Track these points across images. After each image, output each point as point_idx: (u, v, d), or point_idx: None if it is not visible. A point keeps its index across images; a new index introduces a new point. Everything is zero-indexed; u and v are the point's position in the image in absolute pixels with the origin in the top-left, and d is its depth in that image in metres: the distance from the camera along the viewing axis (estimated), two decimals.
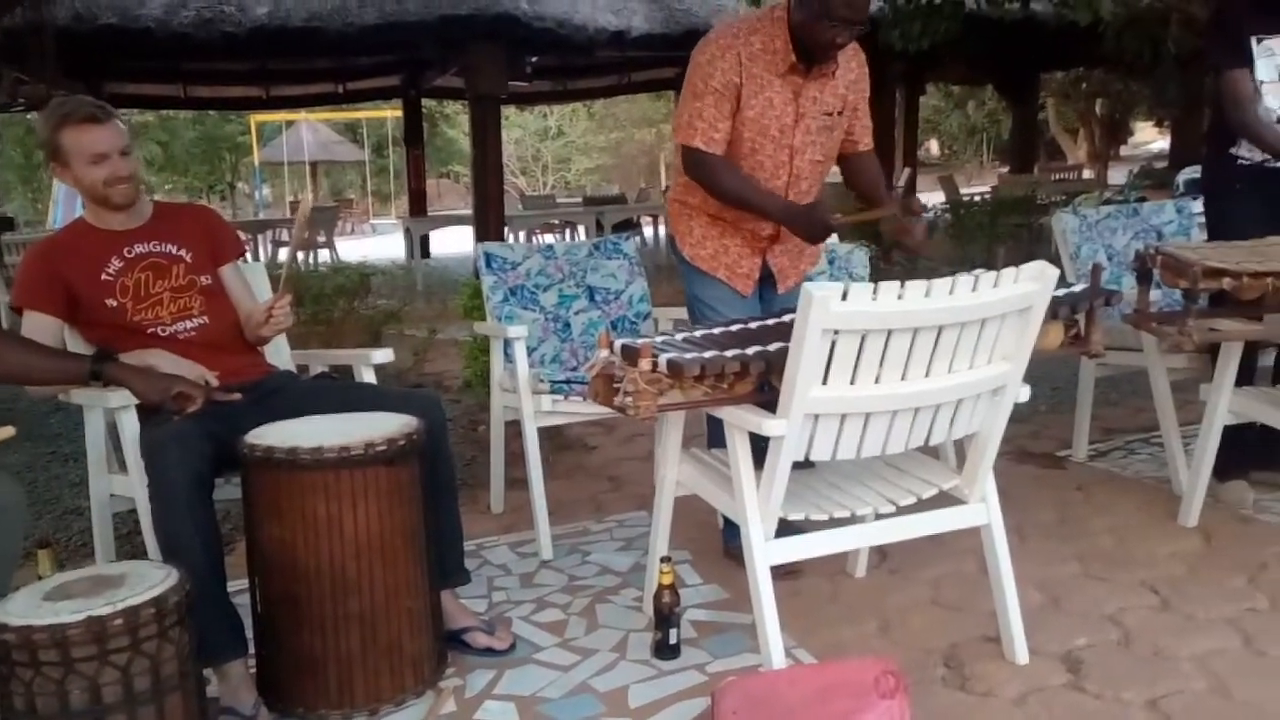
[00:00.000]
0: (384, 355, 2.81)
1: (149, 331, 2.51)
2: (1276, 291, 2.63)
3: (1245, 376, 3.05)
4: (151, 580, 1.84)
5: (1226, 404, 2.94)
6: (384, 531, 2.16)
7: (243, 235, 12.22)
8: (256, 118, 21.92)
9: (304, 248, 11.47)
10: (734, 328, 2.40)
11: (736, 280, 2.86)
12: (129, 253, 2.54)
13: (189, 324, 2.56)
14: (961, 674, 2.31)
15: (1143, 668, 2.30)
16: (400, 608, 2.21)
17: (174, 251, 2.60)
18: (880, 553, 2.92)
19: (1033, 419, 4.26)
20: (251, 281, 2.83)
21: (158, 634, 1.78)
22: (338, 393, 2.58)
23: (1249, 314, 2.82)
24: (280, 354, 2.89)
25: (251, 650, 2.26)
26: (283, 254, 12.53)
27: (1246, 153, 3.19)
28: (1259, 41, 3.12)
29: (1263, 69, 3.12)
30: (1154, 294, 2.91)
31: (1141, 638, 2.44)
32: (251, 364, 2.65)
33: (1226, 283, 2.61)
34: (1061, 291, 2.31)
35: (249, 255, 10.52)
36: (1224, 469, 3.16)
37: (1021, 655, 2.33)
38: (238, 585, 2.38)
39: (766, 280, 2.93)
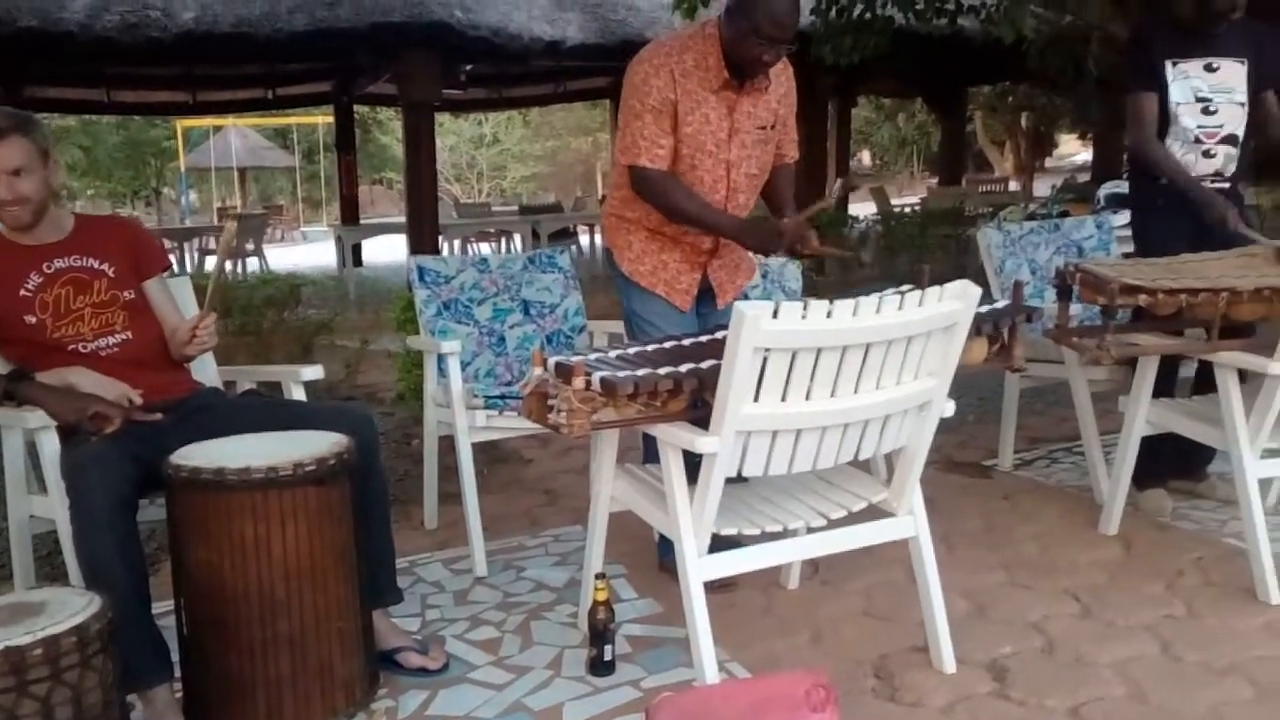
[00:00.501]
0: (313, 372, 2.77)
1: (70, 348, 2.45)
2: (1190, 307, 2.73)
3: (1166, 388, 3.15)
4: (73, 608, 1.79)
5: (1144, 416, 3.03)
6: (314, 552, 2.13)
7: (168, 244, 11.99)
8: (183, 123, 21.49)
9: (231, 257, 11.27)
10: (667, 344, 2.41)
11: (676, 295, 2.88)
12: (48, 268, 2.48)
13: (111, 340, 2.50)
14: (891, 684, 2.35)
15: (1065, 675, 2.36)
16: (331, 629, 2.18)
17: (96, 266, 2.54)
18: (812, 564, 2.95)
19: (960, 429, 4.34)
20: (177, 295, 2.78)
21: (80, 663, 1.74)
22: (266, 410, 2.54)
23: (1166, 329, 2.91)
24: (206, 370, 2.84)
25: (177, 674, 2.22)
26: (209, 263, 12.30)
27: None
28: (1174, 65, 3.22)
29: (1178, 91, 3.22)
30: (1075, 308, 2.99)
31: (1064, 645, 2.50)
32: (176, 381, 2.59)
33: (1142, 299, 2.70)
34: (985, 308, 2.37)
35: (174, 265, 10.25)
36: (1143, 478, 3.26)
37: (949, 664, 2.38)
38: (163, 607, 2.33)
39: (705, 295, 2.95)
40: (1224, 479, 3.30)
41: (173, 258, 11.70)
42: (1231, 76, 3.23)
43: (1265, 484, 3.19)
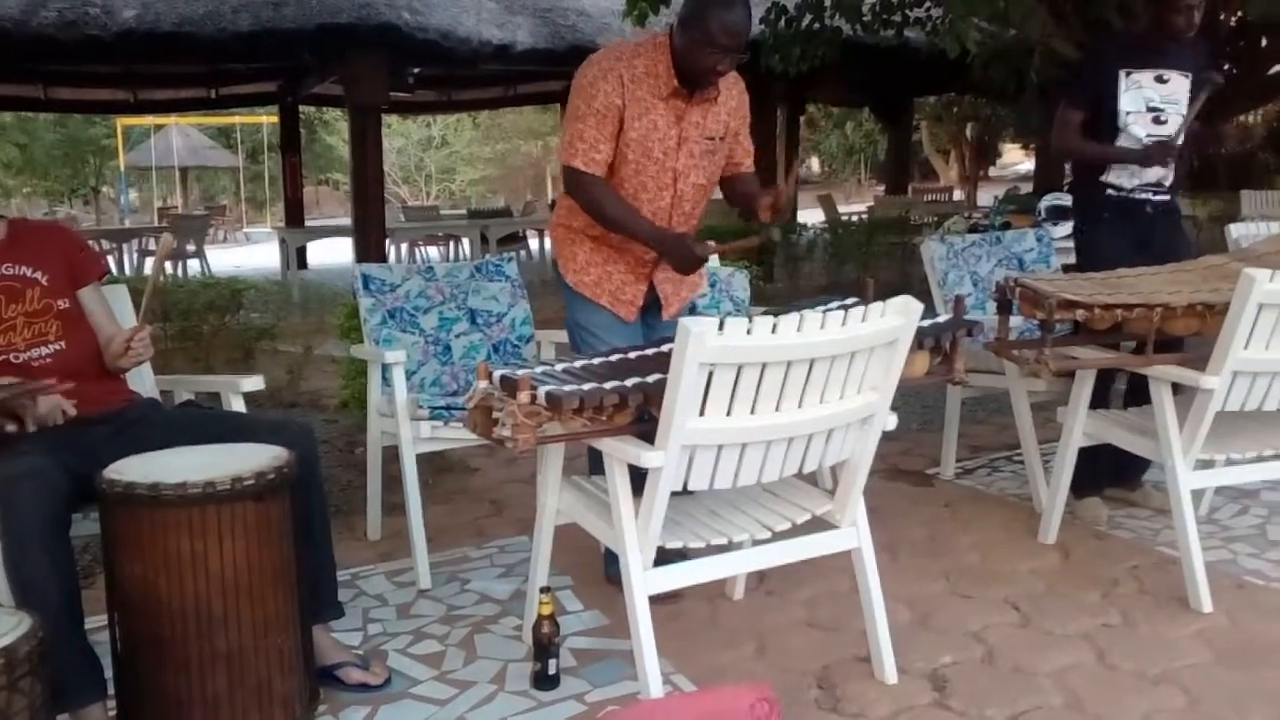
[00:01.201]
0: (253, 383, 2.72)
1: (0, 359, 2.38)
2: (1125, 322, 2.78)
3: (1100, 399, 3.21)
4: (1, 628, 1.74)
5: (1081, 427, 3.09)
6: (252, 568, 2.10)
7: (107, 245, 11.73)
8: (123, 121, 21.04)
9: (171, 259, 11.06)
10: (613, 358, 2.41)
11: (620, 307, 2.87)
12: None
13: (44, 350, 2.44)
14: (834, 695, 2.37)
15: (1004, 685, 2.40)
16: (269, 646, 2.14)
17: (29, 274, 2.48)
18: (757, 574, 2.96)
19: (904, 437, 4.40)
20: (114, 302, 2.71)
21: (7, 685, 1.69)
22: (204, 422, 2.49)
23: (1103, 342, 2.97)
24: (143, 380, 2.78)
25: (111, 692, 2.17)
26: (149, 264, 12.05)
27: (1115, 181, 3.40)
28: (1128, 75, 3.33)
29: (1130, 100, 3.34)
30: (1015, 321, 3.04)
31: (1003, 654, 2.54)
32: (112, 391, 2.53)
33: (1080, 314, 2.75)
34: (927, 322, 2.39)
35: (113, 267, 10.01)
36: (1080, 486, 3.32)
37: (891, 675, 2.40)
38: (96, 622, 2.28)
39: (651, 306, 2.94)
40: (1158, 488, 3.38)
41: (111, 259, 11.45)
42: (1179, 89, 3.36)
43: (1198, 494, 3.27)
